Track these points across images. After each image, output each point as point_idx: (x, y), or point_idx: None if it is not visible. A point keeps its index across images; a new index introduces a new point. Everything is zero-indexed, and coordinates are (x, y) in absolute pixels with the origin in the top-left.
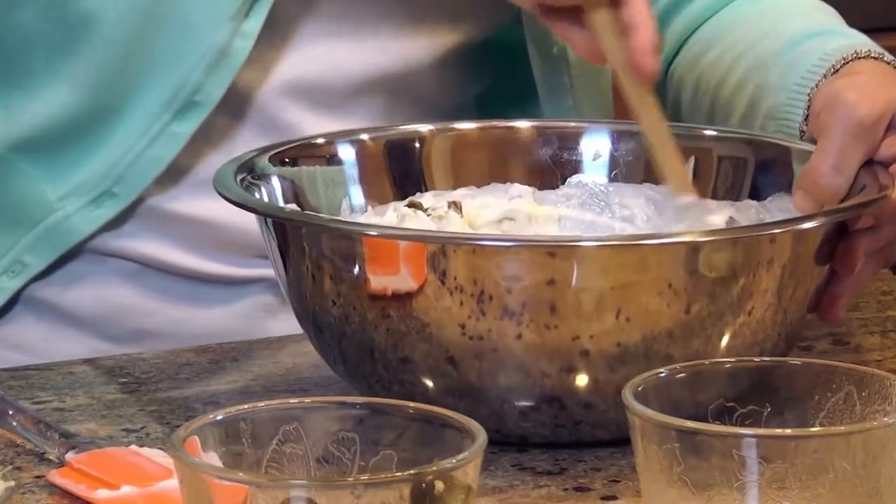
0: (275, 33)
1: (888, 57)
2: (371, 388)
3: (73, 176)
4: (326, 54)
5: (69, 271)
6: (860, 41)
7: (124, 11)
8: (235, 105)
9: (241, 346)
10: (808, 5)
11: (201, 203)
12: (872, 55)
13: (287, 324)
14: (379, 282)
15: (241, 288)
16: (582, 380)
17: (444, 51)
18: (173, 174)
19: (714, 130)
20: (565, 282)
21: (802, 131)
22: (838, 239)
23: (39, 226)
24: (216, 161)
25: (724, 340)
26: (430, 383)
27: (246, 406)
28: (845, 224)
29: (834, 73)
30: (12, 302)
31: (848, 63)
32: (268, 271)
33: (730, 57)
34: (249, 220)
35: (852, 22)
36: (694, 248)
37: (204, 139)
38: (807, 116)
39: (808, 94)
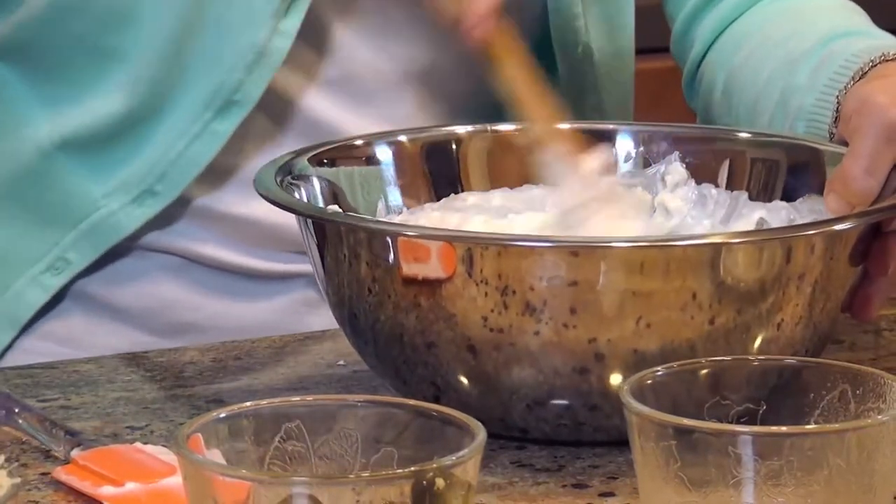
0: (312, 33)
1: None
2: (397, 370)
3: (117, 174)
4: (362, 52)
5: (114, 267)
6: (888, 42)
7: (164, 13)
8: (275, 105)
9: (243, 345)
10: (835, 5)
11: (244, 201)
12: None
13: (327, 319)
14: (411, 273)
15: (283, 283)
16: (592, 382)
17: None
18: (216, 173)
19: (747, 132)
20: (587, 282)
21: (832, 133)
22: (872, 240)
23: (83, 223)
24: (258, 160)
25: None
26: (449, 368)
27: (249, 404)
28: (879, 225)
29: (862, 75)
30: (60, 297)
31: (876, 66)
32: (309, 267)
33: (757, 57)
34: (290, 218)
35: (879, 21)
36: (723, 250)
37: (245, 139)
38: (836, 118)
39: (837, 96)
